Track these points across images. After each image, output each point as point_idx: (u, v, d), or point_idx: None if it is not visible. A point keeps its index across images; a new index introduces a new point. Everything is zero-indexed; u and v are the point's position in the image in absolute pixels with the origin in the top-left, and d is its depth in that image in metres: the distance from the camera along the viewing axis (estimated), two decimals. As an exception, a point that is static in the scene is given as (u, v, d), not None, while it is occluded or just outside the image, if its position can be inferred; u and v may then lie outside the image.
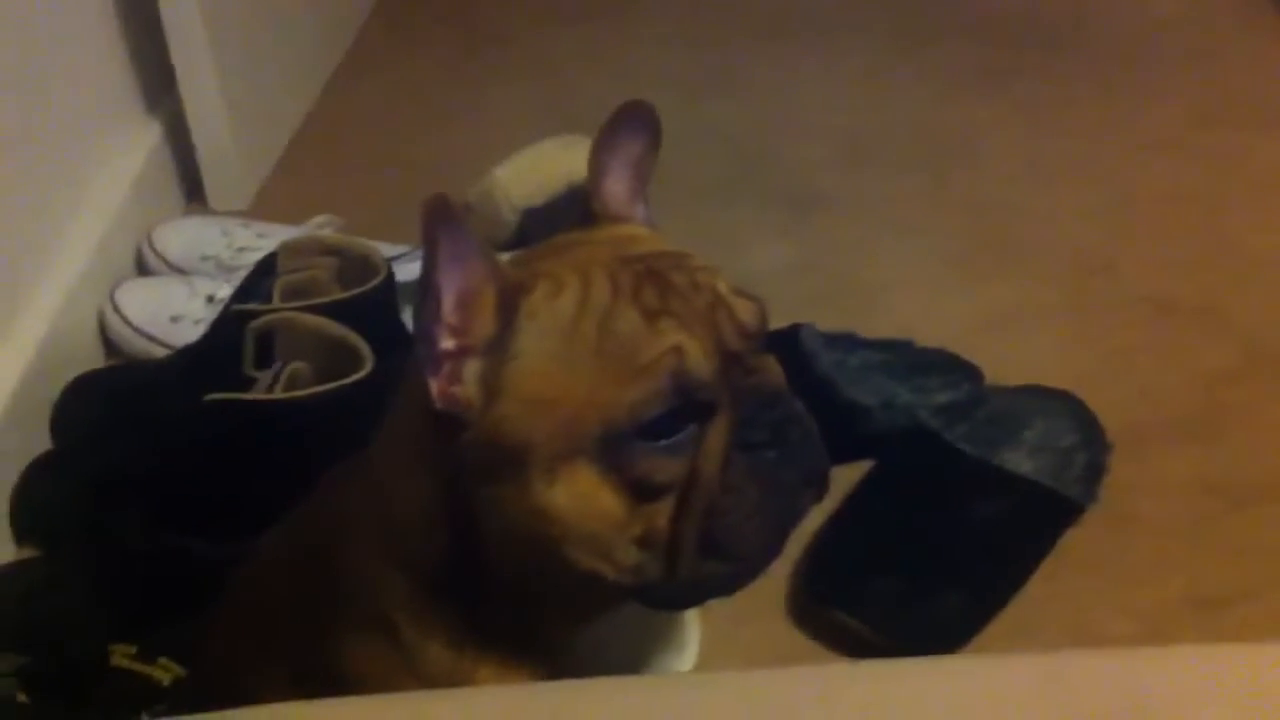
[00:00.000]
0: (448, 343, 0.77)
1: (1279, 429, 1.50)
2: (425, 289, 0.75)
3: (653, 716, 0.67)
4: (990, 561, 1.31)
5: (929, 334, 1.57)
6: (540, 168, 1.66)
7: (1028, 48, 2.21)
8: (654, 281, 0.78)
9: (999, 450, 1.38)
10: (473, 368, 0.77)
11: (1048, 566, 1.33)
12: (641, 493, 0.77)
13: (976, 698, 0.66)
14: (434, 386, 0.77)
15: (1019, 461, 1.38)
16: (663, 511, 0.78)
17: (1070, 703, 0.64)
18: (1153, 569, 1.35)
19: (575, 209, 0.88)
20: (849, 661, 0.81)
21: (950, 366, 1.50)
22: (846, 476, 1.39)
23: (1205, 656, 0.68)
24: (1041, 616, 1.29)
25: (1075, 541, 1.36)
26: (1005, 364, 1.53)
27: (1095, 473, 1.39)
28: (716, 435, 0.78)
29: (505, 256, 0.83)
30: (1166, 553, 1.37)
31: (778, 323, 1.47)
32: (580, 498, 0.77)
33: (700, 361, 0.77)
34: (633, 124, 0.85)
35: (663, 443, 0.76)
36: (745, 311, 0.80)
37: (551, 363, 0.77)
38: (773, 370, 0.82)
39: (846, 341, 1.52)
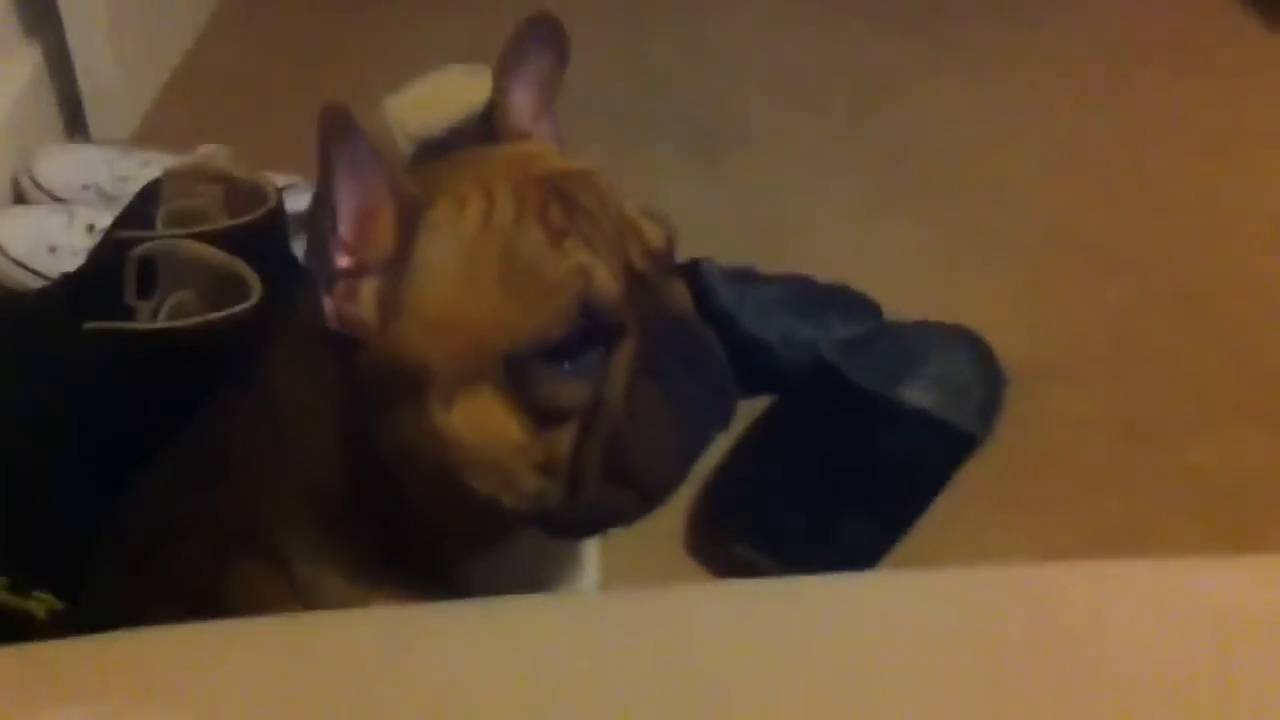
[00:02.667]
0: (344, 260, 0.74)
1: (1180, 366, 1.53)
2: (320, 203, 0.72)
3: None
4: (889, 493, 1.32)
5: (842, 271, 1.56)
6: (439, 97, 1.61)
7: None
8: (560, 200, 0.76)
9: (897, 384, 1.38)
10: (370, 286, 0.75)
11: (949, 500, 1.34)
12: (544, 417, 0.76)
13: (885, 609, 0.66)
14: (329, 306, 0.75)
15: (917, 395, 1.38)
16: (565, 437, 0.76)
17: (988, 613, 0.64)
18: (1053, 502, 1.37)
19: (474, 139, 0.85)
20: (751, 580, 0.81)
21: (850, 302, 1.50)
22: (745, 411, 1.38)
23: (1114, 570, 0.70)
24: (944, 550, 1.30)
25: (977, 475, 1.37)
26: (915, 301, 1.53)
27: (991, 408, 1.40)
28: (622, 359, 0.76)
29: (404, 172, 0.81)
30: (1067, 486, 1.39)
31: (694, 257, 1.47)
32: (481, 422, 0.75)
33: (607, 283, 0.75)
34: (539, 38, 0.82)
35: (567, 366, 0.75)
36: (652, 233, 0.79)
37: (453, 282, 0.74)
38: (680, 294, 0.81)
39: (746, 276, 1.51)
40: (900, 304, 1.52)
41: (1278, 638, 0.64)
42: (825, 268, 1.56)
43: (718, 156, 1.84)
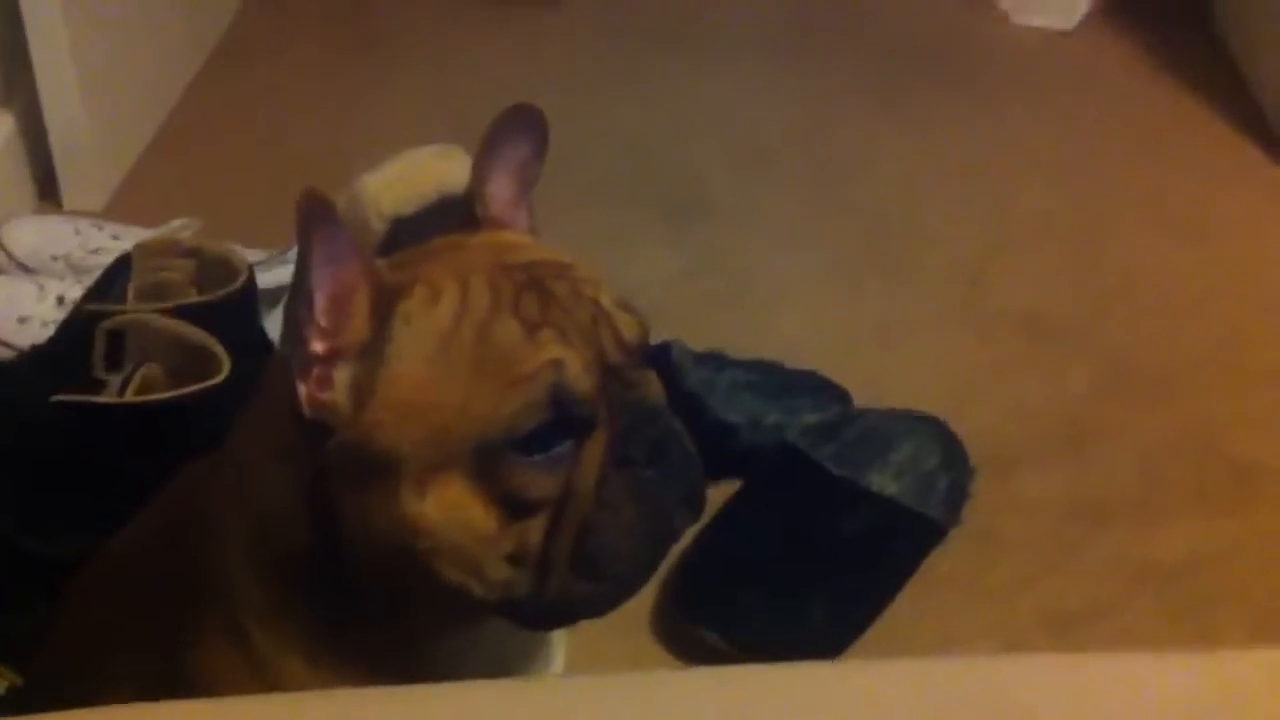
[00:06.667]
0: (319, 345, 0.74)
1: (1140, 449, 1.54)
2: (298, 289, 0.73)
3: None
4: (855, 579, 1.32)
5: (808, 345, 1.57)
6: (411, 176, 1.62)
7: (916, 67, 2.24)
8: (535, 291, 0.77)
9: (865, 471, 1.39)
10: (344, 372, 0.75)
11: (912, 584, 1.34)
12: (514, 508, 0.76)
13: (843, 700, 0.66)
14: (302, 390, 0.75)
15: (885, 483, 1.39)
16: (535, 528, 0.76)
17: (935, 706, 0.64)
18: (1013, 587, 1.37)
19: (447, 220, 0.86)
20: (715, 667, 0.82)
21: (819, 388, 1.50)
22: (712, 496, 1.38)
23: (1064, 665, 0.70)
24: (907, 635, 1.30)
25: (940, 559, 1.38)
26: (881, 377, 1.54)
27: (958, 496, 1.41)
28: (593, 451, 0.76)
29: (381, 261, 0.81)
30: (1024, 571, 1.39)
31: (661, 329, 1.48)
32: (451, 510, 0.75)
33: (580, 375, 0.75)
34: (519, 127, 0.83)
35: (538, 457, 0.75)
36: (627, 325, 0.79)
37: (426, 370, 0.74)
38: (653, 386, 0.81)
39: (716, 360, 1.52)
40: (860, 380, 1.53)
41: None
42: (788, 341, 1.58)
43: (683, 226, 1.85)
